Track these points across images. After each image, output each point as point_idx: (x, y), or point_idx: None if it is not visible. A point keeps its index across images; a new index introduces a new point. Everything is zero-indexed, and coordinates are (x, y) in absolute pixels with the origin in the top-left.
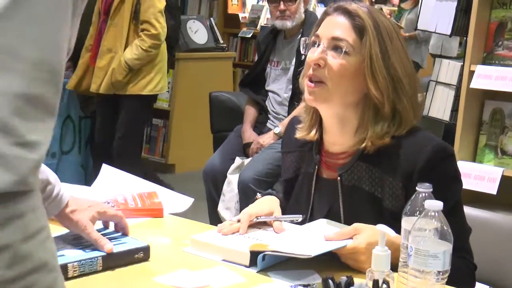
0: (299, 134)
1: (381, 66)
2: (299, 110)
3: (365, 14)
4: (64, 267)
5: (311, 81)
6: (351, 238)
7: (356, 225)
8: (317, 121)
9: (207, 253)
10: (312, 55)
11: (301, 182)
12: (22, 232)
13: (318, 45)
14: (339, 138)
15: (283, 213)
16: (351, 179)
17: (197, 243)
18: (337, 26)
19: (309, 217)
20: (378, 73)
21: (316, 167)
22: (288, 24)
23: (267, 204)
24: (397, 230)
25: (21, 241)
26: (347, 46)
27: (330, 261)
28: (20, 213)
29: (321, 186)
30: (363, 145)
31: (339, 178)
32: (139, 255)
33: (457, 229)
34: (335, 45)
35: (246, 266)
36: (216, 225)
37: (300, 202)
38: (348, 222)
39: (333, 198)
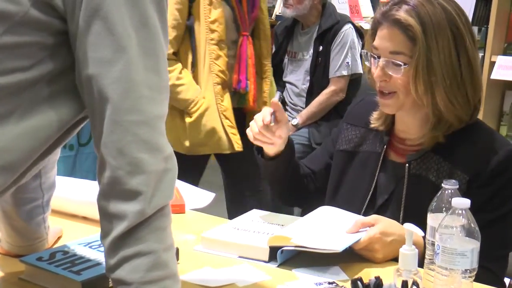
0: (372, 119)
1: (425, 70)
2: (317, 104)
3: (414, 21)
4: (104, 278)
5: (382, 93)
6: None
7: (375, 216)
8: (390, 117)
9: (221, 251)
10: (375, 70)
11: (365, 161)
12: (163, 243)
13: (378, 57)
14: (411, 129)
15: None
16: (419, 168)
17: (209, 241)
18: (392, 40)
19: (371, 196)
20: (420, 78)
21: (385, 147)
22: (288, 12)
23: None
24: None
25: (163, 250)
26: (404, 59)
27: (351, 256)
28: (164, 226)
29: (386, 167)
30: (423, 139)
31: (407, 165)
32: None
33: (503, 236)
34: (394, 59)
35: (265, 262)
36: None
37: (362, 180)
38: (408, 208)
39: (397, 183)
